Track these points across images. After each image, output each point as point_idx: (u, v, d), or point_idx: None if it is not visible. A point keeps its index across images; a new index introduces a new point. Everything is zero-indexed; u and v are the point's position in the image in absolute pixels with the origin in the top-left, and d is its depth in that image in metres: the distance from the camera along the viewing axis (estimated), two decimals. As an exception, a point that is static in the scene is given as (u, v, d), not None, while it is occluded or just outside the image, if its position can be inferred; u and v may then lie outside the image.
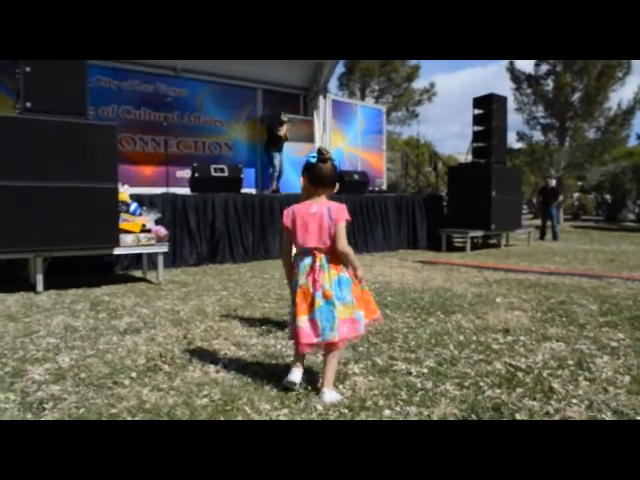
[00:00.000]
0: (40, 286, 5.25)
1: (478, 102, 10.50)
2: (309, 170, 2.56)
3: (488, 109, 10.29)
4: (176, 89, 10.95)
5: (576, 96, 19.77)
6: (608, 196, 25.44)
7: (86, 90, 5.43)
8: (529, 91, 20.53)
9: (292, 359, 2.69)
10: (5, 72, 8.30)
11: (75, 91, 5.32)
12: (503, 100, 10.78)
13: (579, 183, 27.76)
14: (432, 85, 25.62)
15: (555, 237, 12.93)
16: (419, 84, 26.45)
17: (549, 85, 20.17)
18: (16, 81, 5.28)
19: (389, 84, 24.05)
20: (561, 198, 14.29)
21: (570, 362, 3.06)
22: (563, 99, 19.49)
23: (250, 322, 4.01)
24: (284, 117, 10.24)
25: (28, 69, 5.05)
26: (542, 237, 13.11)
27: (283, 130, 10.15)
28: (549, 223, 13.26)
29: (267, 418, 2.21)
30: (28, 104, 5.09)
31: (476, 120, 10.57)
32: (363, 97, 23.08)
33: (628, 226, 19.91)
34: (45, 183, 5.11)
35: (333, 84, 24.02)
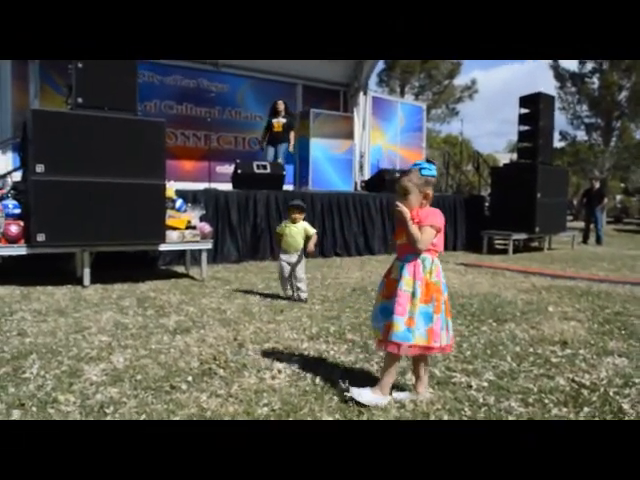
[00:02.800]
0: (87, 280, 5.30)
1: (525, 101, 10.22)
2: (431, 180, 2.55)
3: (535, 108, 10.01)
4: (217, 84, 10.99)
5: (623, 95, 19.17)
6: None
7: (136, 86, 5.46)
8: (573, 89, 19.99)
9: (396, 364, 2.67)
10: (54, 68, 8.45)
11: (125, 87, 5.35)
12: (550, 99, 10.50)
13: (622, 185, 27.00)
14: (474, 82, 25.25)
15: (599, 241, 12.58)
16: (459, 81, 26.01)
17: (594, 83, 19.62)
18: (68, 77, 5.34)
19: (429, 81, 23.74)
20: (606, 201, 13.89)
21: (636, 380, 2.92)
22: (609, 98, 18.91)
23: (298, 324, 3.96)
24: (279, 105, 9.48)
25: (80, 65, 5.10)
26: (585, 241, 12.77)
27: (275, 120, 9.41)
28: (593, 226, 12.92)
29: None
30: (80, 99, 5.14)
31: (522, 119, 10.30)
32: (403, 94, 22.87)
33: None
34: (94, 179, 5.15)
35: (372, 80, 23.83)
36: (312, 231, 4.90)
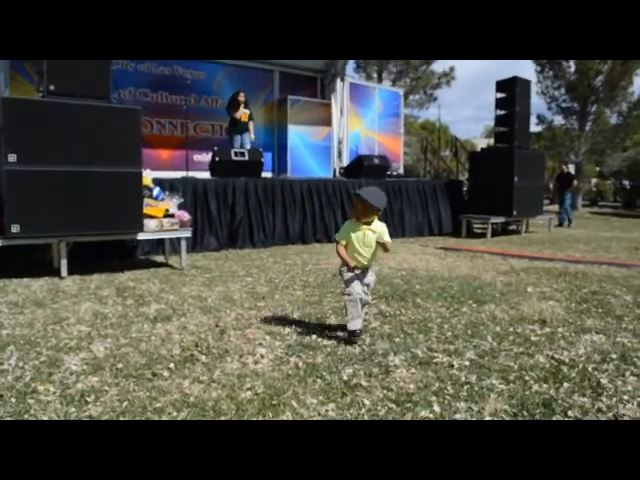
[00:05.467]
0: (64, 271, 5.22)
1: (501, 85, 10.28)
2: None
3: (511, 92, 10.08)
4: (193, 71, 10.81)
5: (599, 79, 19.39)
6: (627, 182, 25.09)
7: (109, 73, 5.34)
8: (551, 74, 20.18)
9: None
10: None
11: (98, 74, 5.23)
12: (526, 83, 10.56)
13: (597, 169, 27.40)
14: (452, 69, 25.27)
15: (560, 222, 12.89)
16: (436, 66, 26.06)
17: (571, 67, 19.80)
18: (39, 63, 5.21)
19: (407, 67, 23.69)
20: (575, 183, 14.15)
21: (614, 356, 2.97)
22: (586, 82, 19.11)
23: (280, 310, 3.96)
24: (241, 97, 9.82)
25: (51, 51, 4.97)
26: (561, 223, 13.00)
27: (241, 111, 9.76)
28: (559, 209, 13.33)
29: (315, 413, 2.15)
30: (52, 87, 5.01)
31: (499, 104, 10.37)
32: (380, 80, 22.79)
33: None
34: (69, 167, 5.05)
35: (349, 66, 23.76)
36: (388, 239, 3.19)
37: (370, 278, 3.27)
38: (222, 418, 2.10)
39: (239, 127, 9.90)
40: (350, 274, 3.19)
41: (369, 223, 3.16)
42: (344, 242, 3.22)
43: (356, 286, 3.17)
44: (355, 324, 3.13)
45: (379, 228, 3.19)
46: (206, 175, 8.24)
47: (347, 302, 3.17)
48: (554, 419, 2.18)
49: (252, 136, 10.09)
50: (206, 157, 9.90)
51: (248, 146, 9.79)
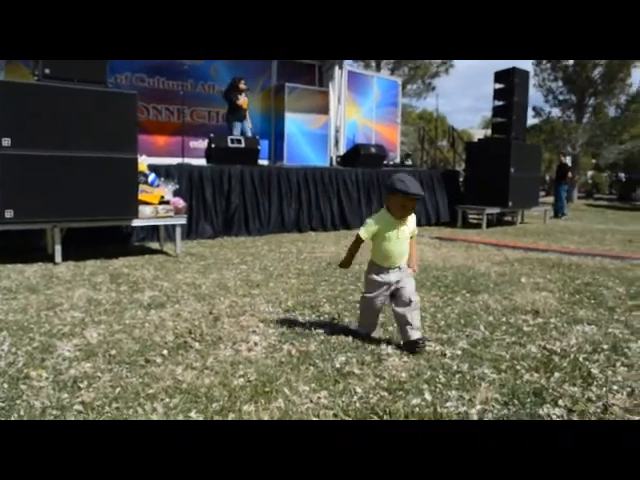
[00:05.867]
0: (58, 257, 5.20)
1: (499, 76, 10.27)
2: None
3: (510, 84, 10.07)
4: (190, 57, 10.73)
5: (597, 72, 19.35)
6: (622, 175, 25.14)
7: (105, 57, 5.30)
8: (548, 66, 20.12)
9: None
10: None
11: (94, 58, 5.19)
12: (525, 74, 10.54)
13: (593, 161, 27.42)
14: (448, 57, 25.16)
15: (555, 214, 12.95)
16: (434, 56, 25.90)
17: (569, 60, 19.76)
18: (34, 47, 5.16)
19: (405, 55, 23.56)
20: (569, 175, 14.20)
21: (605, 346, 2.99)
22: (584, 75, 19.07)
23: (274, 298, 3.96)
24: (242, 84, 9.88)
25: (46, 34, 4.92)
26: (557, 215, 13.05)
27: (242, 98, 9.82)
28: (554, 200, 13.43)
29: (307, 400, 2.16)
30: (47, 71, 4.97)
31: (497, 94, 10.35)
32: (378, 68, 22.69)
33: (642, 205, 19.73)
34: (64, 152, 5.02)
35: (347, 55, 23.55)
36: (415, 230, 2.98)
37: (394, 276, 2.86)
38: (214, 405, 2.11)
39: (239, 114, 9.87)
40: (374, 269, 2.91)
41: (404, 218, 2.83)
42: (366, 238, 2.85)
43: (374, 291, 2.90)
44: (362, 329, 3.03)
45: (413, 222, 2.91)
46: (202, 162, 8.20)
47: (360, 305, 3.02)
48: (544, 409, 2.19)
49: (250, 124, 10.13)
50: (202, 144, 9.84)
51: (249, 133, 9.82)
